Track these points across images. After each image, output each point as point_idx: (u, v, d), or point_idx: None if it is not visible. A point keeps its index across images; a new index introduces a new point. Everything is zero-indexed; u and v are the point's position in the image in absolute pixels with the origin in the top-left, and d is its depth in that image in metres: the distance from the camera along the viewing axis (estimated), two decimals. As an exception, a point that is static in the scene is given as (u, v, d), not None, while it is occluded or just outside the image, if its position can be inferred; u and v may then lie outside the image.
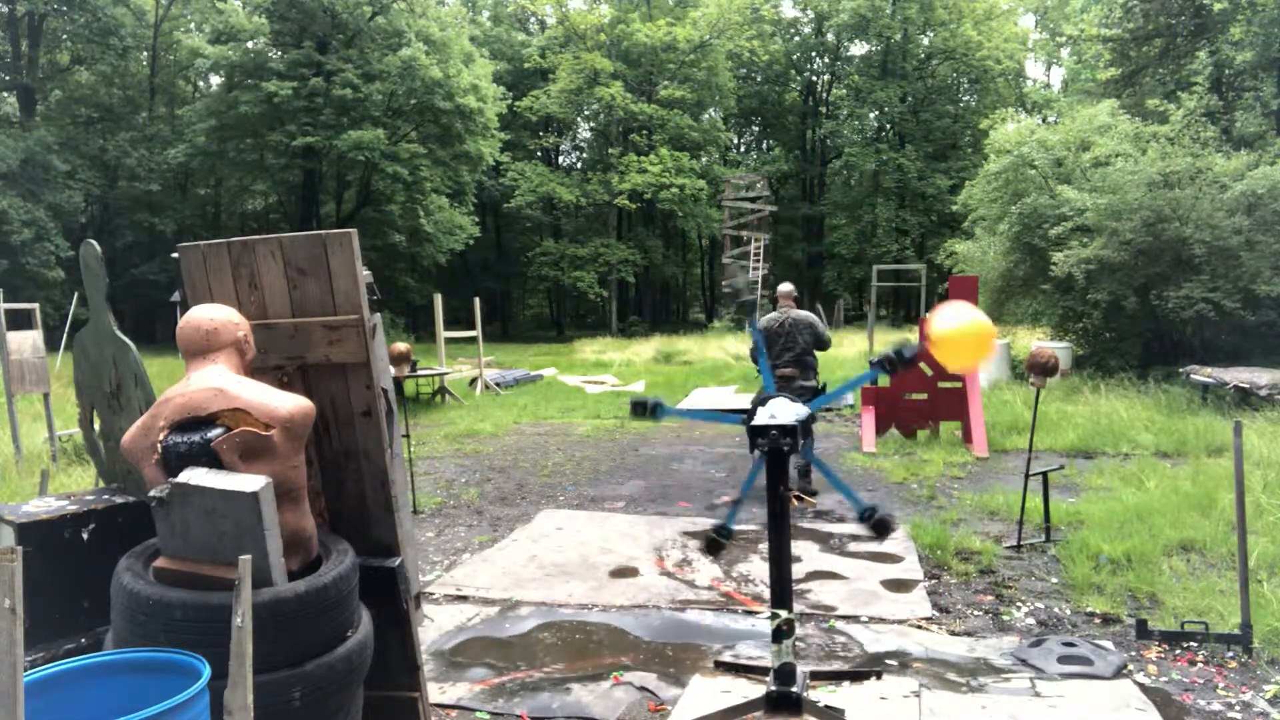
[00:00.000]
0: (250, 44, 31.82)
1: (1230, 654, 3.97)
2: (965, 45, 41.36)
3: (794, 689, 3.10)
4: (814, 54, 48.74)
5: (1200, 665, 3.90)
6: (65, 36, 32.85)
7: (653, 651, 4.16)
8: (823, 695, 3.54)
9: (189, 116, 33.23)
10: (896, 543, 5.78)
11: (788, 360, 7.34)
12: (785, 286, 7.86)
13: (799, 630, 4.24)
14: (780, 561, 3.16)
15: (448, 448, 9.91)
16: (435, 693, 3.65)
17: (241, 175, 35.45)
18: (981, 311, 3.22)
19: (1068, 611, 4.62)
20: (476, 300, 17.32)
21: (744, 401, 10.80)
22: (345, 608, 2.63)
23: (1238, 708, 3.50)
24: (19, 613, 1.76)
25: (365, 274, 3.06)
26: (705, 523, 6.46)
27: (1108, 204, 13.14)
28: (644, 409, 3.31)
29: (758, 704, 3.19)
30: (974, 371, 3.07)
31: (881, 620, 4.52)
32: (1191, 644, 4.07)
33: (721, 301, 41.57)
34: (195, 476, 2.49)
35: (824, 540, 5.99)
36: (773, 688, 3.12)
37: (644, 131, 40.51)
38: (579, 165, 48.61)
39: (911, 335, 18.15)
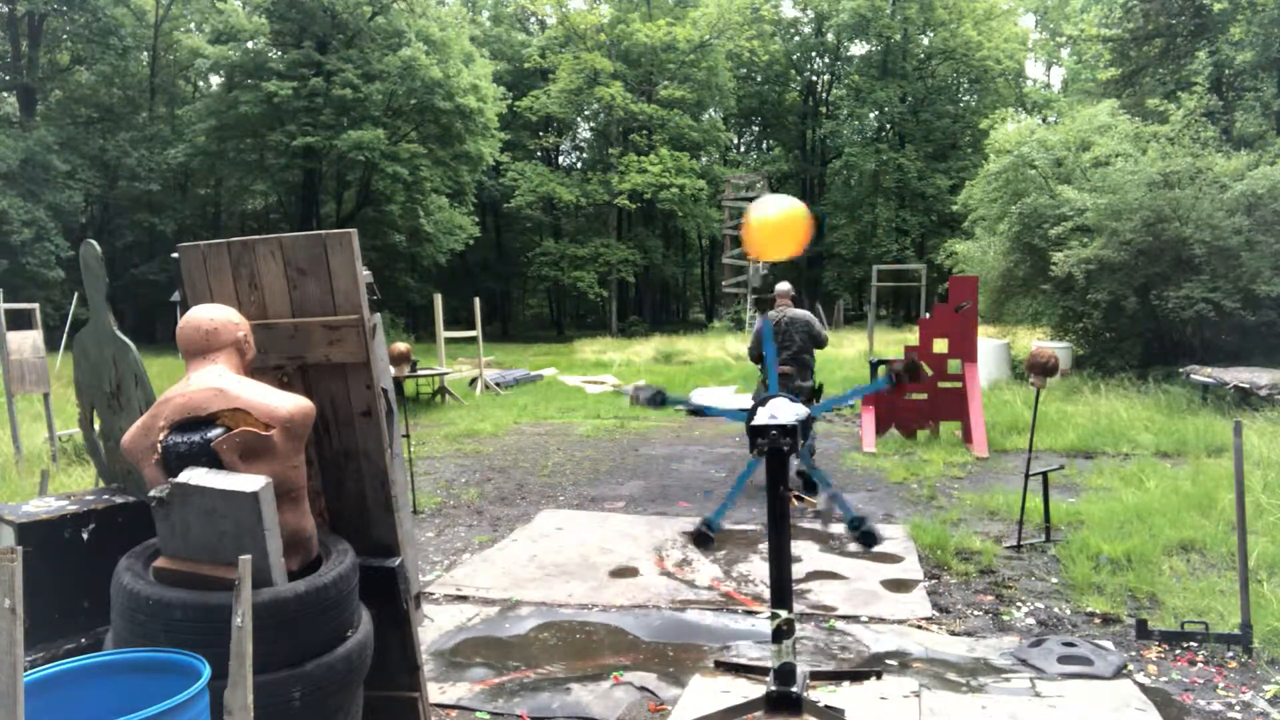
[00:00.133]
0: (250, 44, 31.82)
1: (1230, 654, 3.97)
2: (965, 45, 41.34)
3: (794, 689, 3.10)
4: (814, 54, 48.74)
5: (1200, 665, 3.90)
6: (65, 36, 32.85)
7: (653, 651, 4.16)
8: (823, 695, 3.54)
9: (189, 116, 33.23)
10: (896, 543, 5.78)
11: (785, 359, 7.38)
12: (783, 285, 7.91)
13: (799, 630, 4.24)
14: (780, 561, 3.16)
15: (448, 448, 9.91)
16: (435, 693, 3.65)
17: (241, 175, 35.44)
18: (799, 201, 3.29)
19: (1068, 611, 4.63)
20: (476, 300, 17.32)
21: (744, 401, 10.81)
22: (345, 608, 2.63)
23: (1238, 708, 3.50)
24: (19, 613, 1.76)
25: (365, 274, 3.06)
26: (705, 523, 6.46)
27: (1108, 204, 13.14)
28: (650, 397, 3.32)
29: (758, 704, 3.19)
30: (794, 253, 3.16)
31: (881, 620, 4.52)
32: (1191, 644, 4.07)
33: (721, 301, 41.55)
34: (195, 476, 2.49)
35: (824, 540, 5.99)
36: (773, 688, 3.12)
37: (644, 131, 40.50)
38: (579, 165, 48.59)
39: (911, 336, 18.16)
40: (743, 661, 3.91)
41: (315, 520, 2.83)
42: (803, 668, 3.30)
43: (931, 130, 42.67)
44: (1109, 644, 4.14)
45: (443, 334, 15.74)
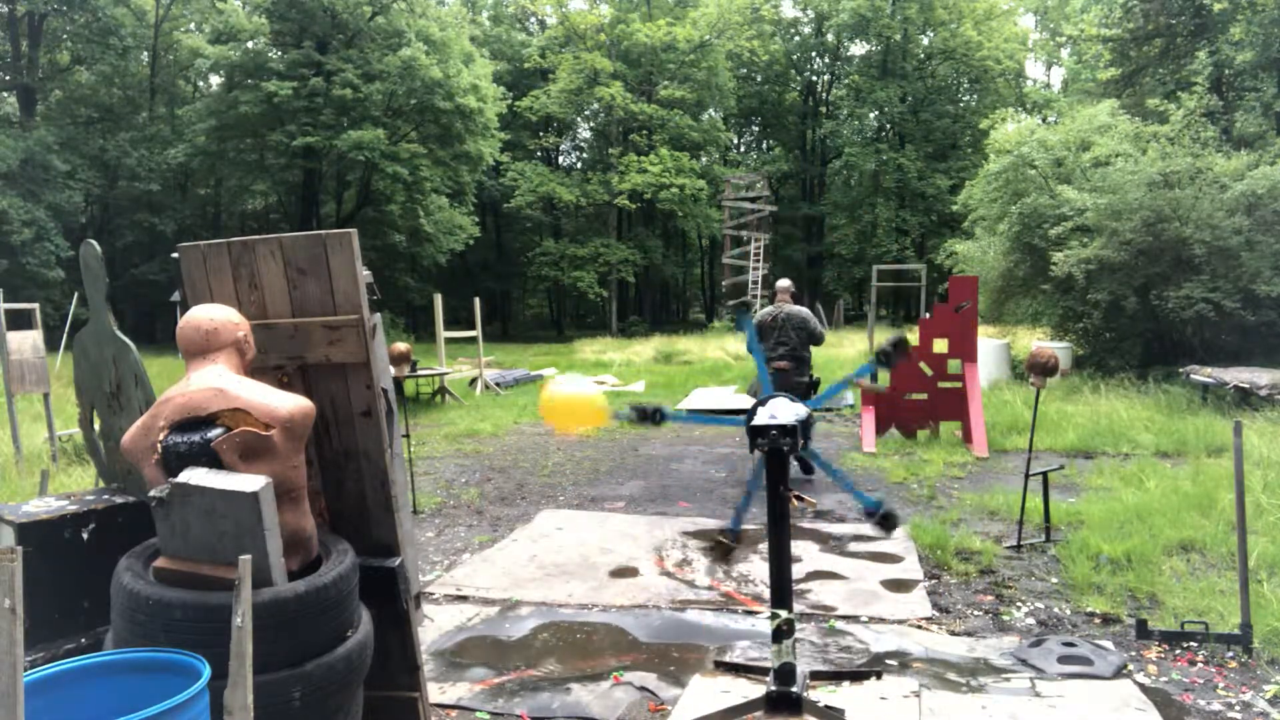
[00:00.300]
0: (250, 44, 31.83)
1: (1230, 654, 3.97)
2: (965, 45, 41.37)
3: (794, 689, 3.10)
4: (814, 54, 48.76)
5: (1200, 665, 3.90)
6: (65, 36, 32.85)
7: (653, 651, 4.16)
8: (823, 695, 3.54)
9: (189, 116, 33.24)
10: (896, 543, 5.78)
11: (781, 354, 7.40)
12: (783, 282, 7.94)
13: (799, 630, 4.24)
14: (780, 561, 3.16)
15: (448, 448, 9.91)
16: (435, 693, 3.65)
17: (241, 175, 35.44)
18: (596, 388, 3.48)
19: (1068, 611, 4.62)
20: (476, 300, 17.32)
21: (744, 401, 10.81)
22: (345, 608, 2.63)
23: (1238, 708, 3.50)
24: (19, 613, 1.76)
25: (365, 274, 3.06)
26: (705, 523, 6.47)
27: (1108, 204, 13.14)
28: (647, 416, 3.31)
29: (758, 704, 3.19)
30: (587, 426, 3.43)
31: (881, 620, 4.52)
32: (1191, 644, 4.06)
33: (721, 301, 41.57)
34: (195, 476, 2.49)
35: (824, 540, 5.99)
36: (773, 688, 3.12)
37: (644, 131, 40.51)
38: (579, 165, 48.61)
39: (911, 336, 18.15)
40: (743, 661, 3.91)
41: (315, 520, 2.83)
42: (803, 668, 3.30)
43: (931, 130, 42.70)
44: (1109, 644, 4.13)
45: (443, 334, 15.74)
